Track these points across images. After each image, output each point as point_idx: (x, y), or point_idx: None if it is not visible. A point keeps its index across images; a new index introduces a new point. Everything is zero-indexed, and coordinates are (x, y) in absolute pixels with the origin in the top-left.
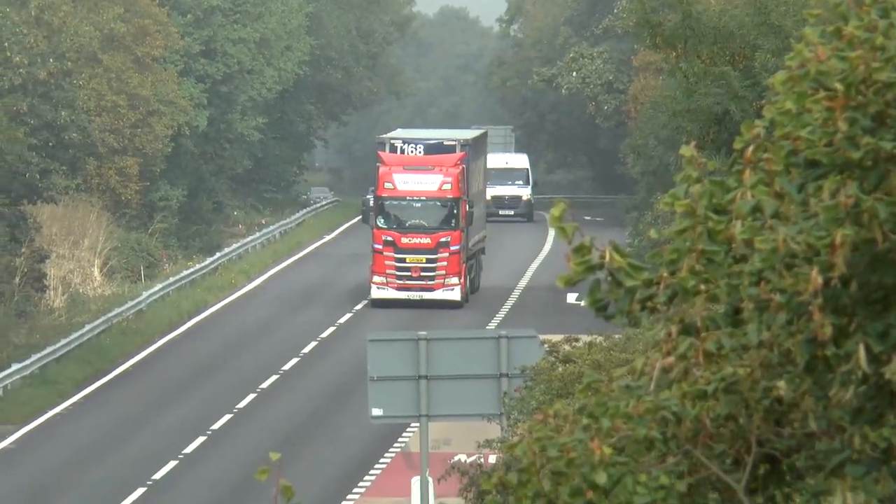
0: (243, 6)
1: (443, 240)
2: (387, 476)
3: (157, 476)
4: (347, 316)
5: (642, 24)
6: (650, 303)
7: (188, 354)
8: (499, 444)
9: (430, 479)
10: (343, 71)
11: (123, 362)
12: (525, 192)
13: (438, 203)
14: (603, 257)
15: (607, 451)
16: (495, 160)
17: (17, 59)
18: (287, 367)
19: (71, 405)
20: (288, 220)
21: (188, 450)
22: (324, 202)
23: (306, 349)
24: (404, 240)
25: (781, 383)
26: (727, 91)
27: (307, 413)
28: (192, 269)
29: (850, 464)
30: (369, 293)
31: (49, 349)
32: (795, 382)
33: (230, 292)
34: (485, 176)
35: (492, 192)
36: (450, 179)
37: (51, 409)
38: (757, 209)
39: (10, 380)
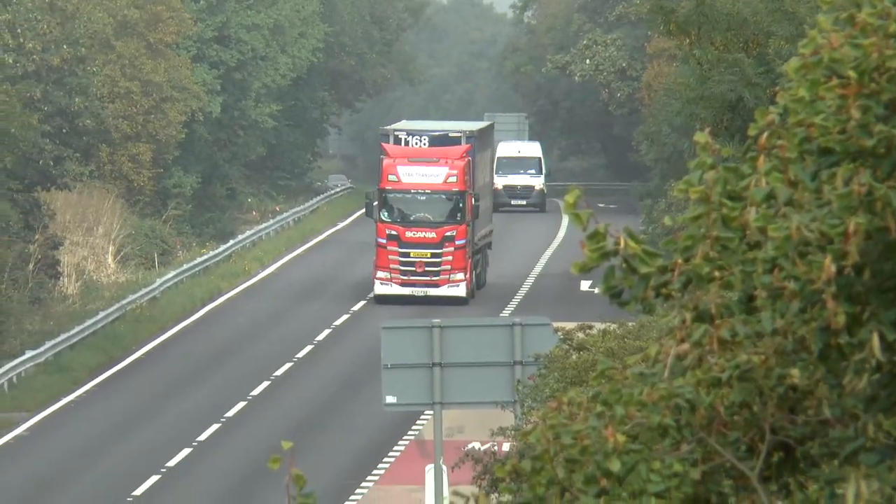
0: None
1: (448, 234)
2: (401, 464)
3: (171, 463)
4: (361, 304)
5: (656, 10)
6: (664, 289)
7: (202, 342)
8: (513, 432)
9: (444, 467)
10: (357, 58)
11: (137, 349)
12: (538, 182)
13: (444, 196)
14: (618, 244)
15: (621, 438)
16: (507, 148)
17: (31, 45)
18: (301, 354)
19: (85, 392)
20: (302, 207)
21: (202, 437)
22: (338, 189)
23: (320, 336)
24: (408, 234)
25: (795, 371)
26: (741, 78)
27: (321, 400)
28: (205, 257)
29: (863, 452)
30: (372, 289)
31: (63, 336)
32: (809, 370)
33: (244, 280)
34: (492, 168)
35: (503, 181)
36: (455, 172)
37: (65, 396)
38: (771, 196)
39: (24, 367)
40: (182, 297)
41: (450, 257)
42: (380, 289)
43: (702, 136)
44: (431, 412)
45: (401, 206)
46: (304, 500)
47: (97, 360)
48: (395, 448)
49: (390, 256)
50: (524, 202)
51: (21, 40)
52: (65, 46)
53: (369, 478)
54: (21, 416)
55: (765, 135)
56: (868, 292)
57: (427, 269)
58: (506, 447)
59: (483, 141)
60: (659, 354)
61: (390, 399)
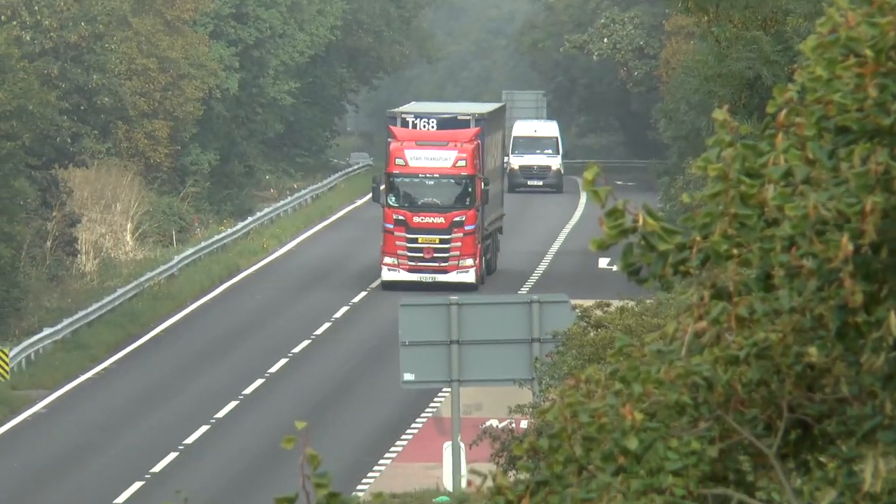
0: None
1: (457, 219)
2: (418, 441)
3: (189, 440)
4: (379, 281)
5: None
6: (683, 267)
7: (220, 319)
8: (530, 409)
9: (462, 445)
10: (374, 35)
11: (155, 327)
12: (554, 162)
13: (452, 180)
14: (636, 221)
15: (639, 416)
16: (523, 128)
17: (48, 22)
18: (319, 331)
19: (102, 370)
20: (319, 184)
21: (220, 414)
22: (355, 167)
23: (337, 314)
24: (416, 219)
25: (813, 349)
26: (759, 55)
27: (339, 377)
28: (223, 234)
29: (881, 429)
30: (380, 275)
31: (81, 313)
32: (827, 348)
33: (262, 257)
34: (503, 151)
35: (519, 161)
36: (464, 156)
37: (82, 373)
38: (789, 174)
39: (42, 344)
40: (200, 275)
41: (459, 243)
42: (387, 275)
43: (720, 114)
44: (449, 389)
45: (408, 191)
46: (318, 480)
47: (115, 337)
48: (413, 425)
49: (398, 242)
50: (540, 183)
51: (38, 17)
52: (82, 24)
53: (387, 455)
54: (39, 393)
55: (783, 112)
56: (885, 270)
57: (435, 255)
58: (523, 425)
59: (493, 123)
60: (677, 332)
61: (408, 376)
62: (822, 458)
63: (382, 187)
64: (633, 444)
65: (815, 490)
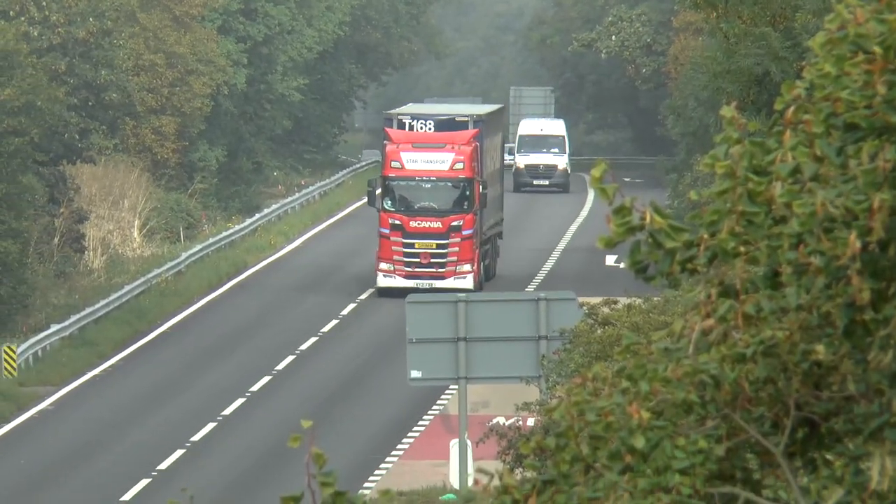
0: None
1: (454, 223)
2: (425, 438)
3: (196, 437)
4: None
5: None
6: (690, 264)
7: (227, 316)
8: (537, 407)
9: (469, 442)
10: (383, 31)
11: (162, 324)
12: (561, 161)
13: (450, 184)
14: (644, 218)
15: (646, 414)
16: (530, 126)
17: (55, 18)
18: (325, 329)
19: (110, 366)
20: (327, 181)
21: (227, 411)
22: (363, 163)
23: (344, 311)
24: (413, 223)
25: (820, 347)
26: (768, 52)
27: (346, 375)
28: (231, 231)
29: (888, 427)
30: (375, 281)
31: (88, 310)
32: (834, 346)
33: (269, 254)
34: (502, 154)
35: (525, 160)
36: (462, 158)
37: (90, 370)
38: (797, 171)
39: (50, 341)
40: (207, 271)
41: (456, 248)
42: (383, 281)
43: (728, 111)
44: (456, 387)
45: (405, 195)
46: (324, 479)
47: (122, 334)
48: (420, 423)
49: (394, 247)
50: (546, 182)
51: (46, 13)
52: (91, 19)
53: (394, 452)
54: (46, 389)
55: (791, 109)
56: (893, 268)
57: (433, 260)
58: (530, 422)
59: (492, 125)
60: (684, 330)
61: (415, 373)
62: (830, 457)
63: (378, 191)
64: (639, 442)
65: (823, 488)
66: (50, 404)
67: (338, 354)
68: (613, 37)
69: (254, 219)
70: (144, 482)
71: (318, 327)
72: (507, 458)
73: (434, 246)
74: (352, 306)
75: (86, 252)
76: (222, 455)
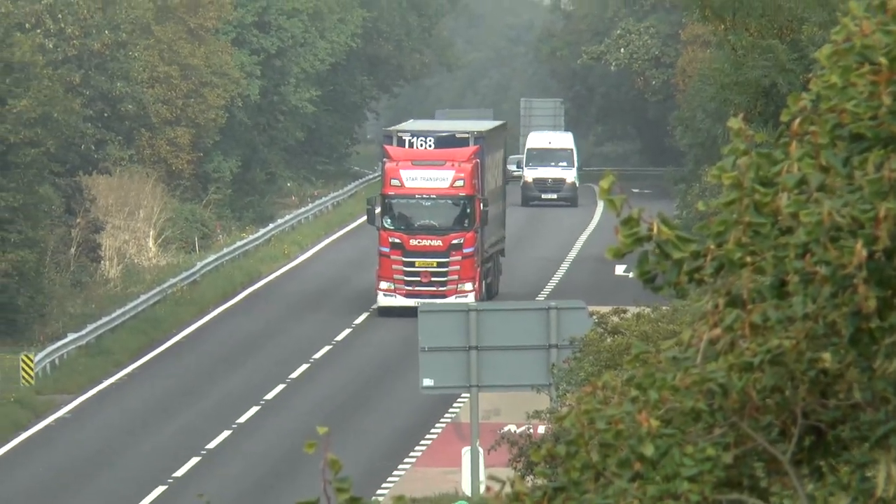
0: None
1: (455, 242)
2: (437, 446)
3: (211, 445)
4: None
5: None
6: (697, 274)
7: (241, 325)
8: (548, 415)
9: (480, 450)
10: (395, 43)
11: (177, 332)
12: (569, 175)
13: (450, 201)
14: (651, 229)
15: (655, 422)
16: (538, 139)
17: (71, 30)
18: (339, 337)
19: (126, 375)
20: (340, 191)
21: (242, 419)
22: (377, 174)
23: (358, 320)
24: (413, 242)
25: (827, 355)
26: (775, 64)
27: (359, 383)
28: (245, 240)
29: (894, 435)
30: (375, 300)
31: (104, 319)
32: (840, 354)
33: (283, 263)
34: (504, 171)
35: (533, 174)
36: (462, 175)
37: (106, 378)
38: (803, 182)
39: (66, 349)
40: (222, 281)
41: (457, 266)
42: (383, 300)
43: (735, 122)
44: (468, 395)
45: (405, 213)
46: (339, 485)
47: (138, 342)
48: (432, 430)
49: (394, 266)
50: (555, 196)
51: (62, 25)
52: (106, 32)
53: (406, 459)
54: (63, 398)
55: (797, 121)
56: None
57: (433, 279)
58: (541, 430)
59: (493, 142)
60: (692, 339)
61: (427, 382)
62: (836, 464)
63: (378, 209)
64: (649, 450)
65: (829, 495)
66: (67, 412)
67: (351, 363)
68: (622, 49)
69: (267, 229)
70: (160, 489)
71: (331, 336)
72: (518, 465)
73: (435, 264)
74: (365, 315)
75: (102, 262)
76: (237, 462)
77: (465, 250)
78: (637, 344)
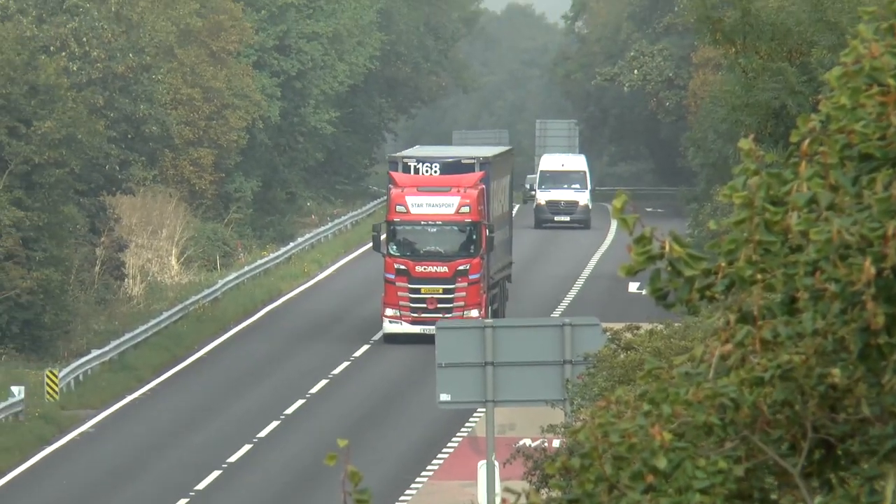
0: (317, 2)
1: (461, 268)
2: (454, 460)
3: (233, 458)
4: None
5: (703, 20)
6: (709, 292)
7: (262, 341)
8: (562, 429)
9: (496, 463)
10: (412, 66)
11: (199, 349)
12: (583, 197)
13: (456, 228)
14: (663, 247)
15: (667, 436)
16: (550, 162)
17: (96, 53)
18: (358, 353)
19: (148, 390)
20: (359, 210)
21: (262, 433)
22: None
23: (376, 336)
24: (419, 268)
25: (836, 370)
26: (784, 86)
27: (377, 398)
28: (266, 259)
29: None
30: (381, 327)
31: (127, 335)
32: (849, 370)
33: (303, 281)
34: (510, 197)
35: (546, 196)
36: (468, 202)
37: (129, 393)
38: (813, 201)
39: (90, 365)
40: (243, 298)
41: (463, 293)
42: (389, 327)
43: (746, 143)
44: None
45: (410, 239)
46: (359, 497)
47: (161, 358)
48: (449, 444)
49: (399, 293)
50: (567, 218)
51: (87, 48)
52: (130, 55)
53: (424, 473)
54: (87, 413)
55: (807, 141)
56: None
57: (439, 305)
58: (556, 444)
59: (499, 168)
60: (704, 355)
61: (444, 397)
62: (845, 477)
63: (383, 236)
64: (661, 463)
65: None
66: (91, 427)
67: (369, 378)
68: (636, 71)
69: (288, 247)
70: (182, 502)
71: (350, 352)
72: (533, 478)
73: (440, 291)
74: (382, 332)
75: (125, 280)
76: (258, 475)
77: (472, 276)
78: (650, 359)
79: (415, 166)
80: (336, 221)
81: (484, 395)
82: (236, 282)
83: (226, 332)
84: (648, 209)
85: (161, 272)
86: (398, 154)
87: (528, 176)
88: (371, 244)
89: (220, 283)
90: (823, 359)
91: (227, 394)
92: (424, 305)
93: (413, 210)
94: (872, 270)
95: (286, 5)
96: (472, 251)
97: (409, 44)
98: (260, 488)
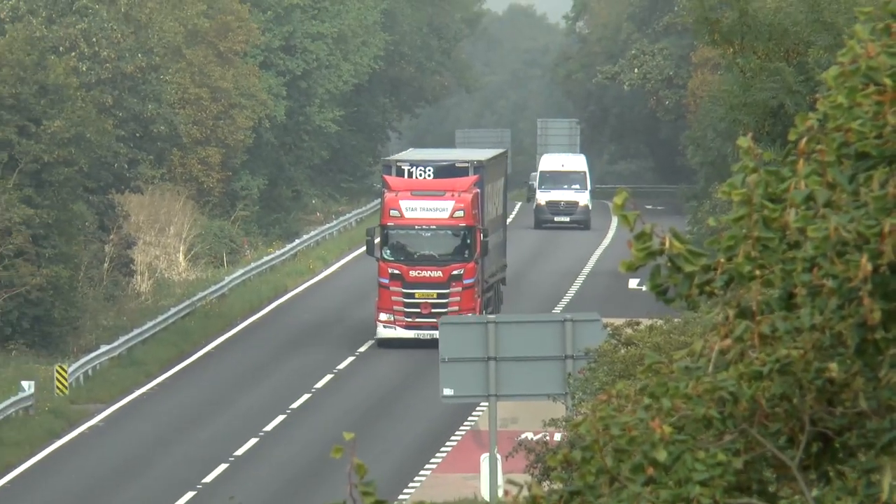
0: (322, 3)
1: (455, 272)
2: (457, 453)
3: (239, 452)
4: None
5: (701, 21)
6: (708, 287)
7: (268, 337)
8: (564, 423)
9: (499, 456)
10: (416, 66)
11: (206, 344)
12: (583, 198)
13: (450, 232)
14: (663, 244)
15: (667, 429)
16: (550, 162)
17: (105, 53)
18: (362, 349)
19: (156, 385)
20: (364, 208)
21: (268, 427)
22: None
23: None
24: (413, 273)
25: (833, 365)
26: (782, 86)
27: (382, 393)
28: (272, 256)
29: None
30: (375, 332)
31: (136, 331)
32: (847, 364)
33: (308, 277)
34: (504, 200)
35: (546, 196)
36: (462, 206)
37: (137, 388)
38: (810, 198)
39: (99, 360)
40: (249, 294)
41: (457, 297)
42: (382, 332)
43: (744, 141)
44: (486, 404)
45: (404, 244)
46: (365, 488)
47: (168, 354)
48: (452, 438)
49: (393, 297)
50: (567, 219)
51: (96, 49)
52: (139, 55)
53: (427, 465)
54: (96, 407)
55: (804, 140)
56: None
57: (433, 310)
58: (557, 437)
59: (493, 171)
60: (703, 349)
61: (447, 391)
62: (842, 470)
63: (377, 240)
64: (661, 455)
65: (836, 500)
66: (99, 421)
67: (374, 373)
68: (636, 69)
69: (293, 244)
70: (190, 494)
71: (355, 348)
72: (535, 470)
73: (434, 296)
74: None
75: (134, 276)
76: (264, 468)
77: (466, 281)
78: (650, 354)
79: (408, 170)
80: (341, 219)
81: (487, 389)
82: (243, 278)
83: (232, 327)
84: (648, 207)
85: (169, 269)
86: (392, 157)
87: (532, 174)
88: (365, 248)
89: (227, 279)
90: (821, 353)
91: (234, 388)
92: (418, 310)
93: (407, 214)
94: (869, 267)
95: (292, 6)
96: (466, 256)
97: (412, 44)
98: (267, 481)
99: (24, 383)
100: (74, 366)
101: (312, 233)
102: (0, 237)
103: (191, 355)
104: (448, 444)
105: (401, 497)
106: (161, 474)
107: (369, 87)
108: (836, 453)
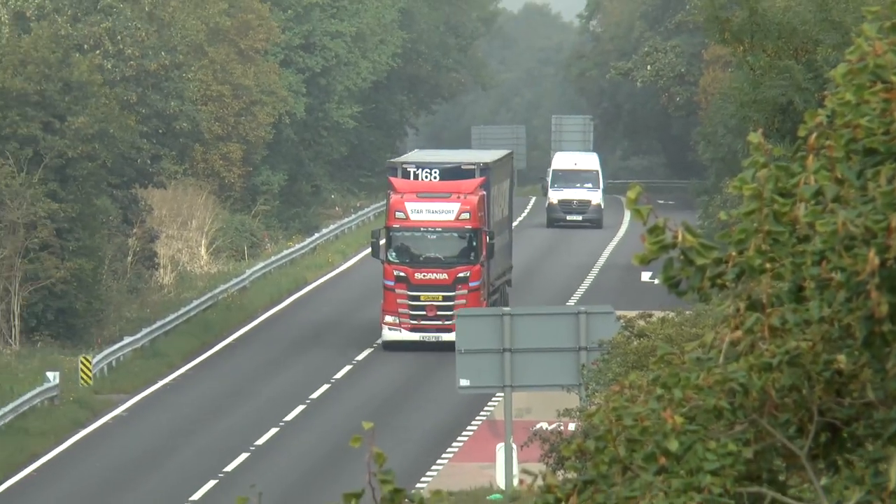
0: (341, 2)
1: (461, 275)
2: (473, 442)
3: (260, 441)
4: None
5: (711, 19)
6: (719, 280)
7: (288, 328)
8: (577, 413)
9: (514, 446)
10: (433, 63)
11: (228, 336)
12: (595, 196)
13: (456, 234)
14: (676, 237)
15: (679, 419)
16: (563, 160)
17: (129, 51)
18: (380, 341)
19: (179, 376)
20: (381, 202)
21: (288, 417)
22: None
23: None
24: (418, 275)
25: (842, 357)
26: (791, 83)
27: (399, 383)
28: (292, 249)
29: None
30: (381, 334)
31: (158, 323)
32: (855, 356)
33: (327, 270)
34: (510, 201)
35: (558, 195)
36: (468, 208)
37: (160, 379)
38: (819, 193)
39: (123, 352)
40: (270, 287)
41: (463, 300)
42: (388, 334)
43: (755, 137)
44: (502, 394)
45: (409, 246)
46: (384, 477)
47: (190, 345)
48: (468, 428)
49: (399, 300)
50: (580, 218)
51: (121, 47)
52: (162, 53)
53: (444, 455)
54: (120, 397)
55: (813, 136)
56: None
57: (438, 312)
58: (571, 427)
59: (499, 173)
60: (714, 341)
61: (464, 382)
62: (851, 459)
63: (382, 242)
64: (673, 445)
65: (844, 489)
66: (123, 411)
67: (391, 364)
68: (649, 66)
69: (313, 238)
70: (212, 483)
71: (373, 339)
72: (549, 460)
73: (440, 298)
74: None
75: (157, 269)
76: (284, 457)
77: (472, 284)
78: (662, 346)
79: (414, 172)
80: (359, 213)
81: (502, 380)
82: (263, 271)
83: (253, 319)
84: (660, 201)
85: (191, 262)
86: (397, 159)
87: (549, 169)
88: (370, 250)
89: (248, 272)
90: (829, 345)
91: (255, 379)
92: (424, 313)
93: (412, 216)
94: (876, 261)
95: (311, 5)
96: (472, 258)
97: (429, 42)
98: (287, 470)
99: (50, 374)
100: (98, 357)
101: (331, 227)
102: (25, 231)
103: (212, 347)
104: (464, 433)
105: (418, 486)
106: (183, 463)
107: (387, 85)
108: (845, 443)
